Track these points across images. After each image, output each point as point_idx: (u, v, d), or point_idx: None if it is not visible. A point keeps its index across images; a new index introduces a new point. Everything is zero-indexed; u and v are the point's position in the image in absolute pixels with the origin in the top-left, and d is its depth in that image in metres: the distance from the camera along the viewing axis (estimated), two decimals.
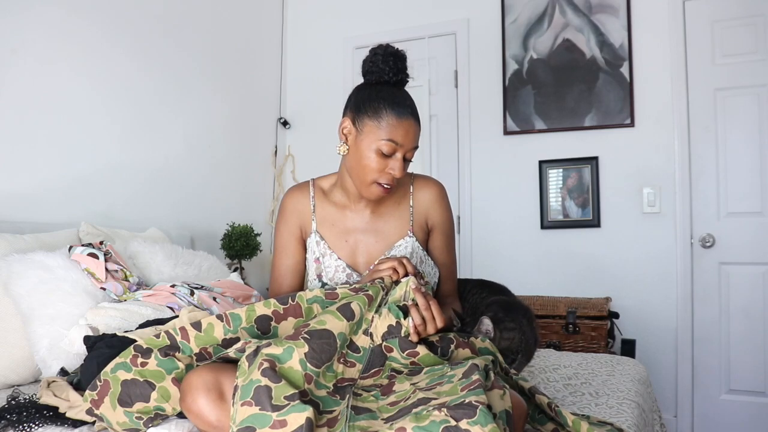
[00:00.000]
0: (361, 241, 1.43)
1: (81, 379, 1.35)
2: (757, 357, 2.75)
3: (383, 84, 1.34)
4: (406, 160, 1.32)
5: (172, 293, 1.83)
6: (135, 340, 1.32)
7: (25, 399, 1.34)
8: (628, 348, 2.72)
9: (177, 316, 1.49)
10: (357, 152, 1.32)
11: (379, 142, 1.28)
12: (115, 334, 1.43)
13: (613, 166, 2.99)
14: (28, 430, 1.21)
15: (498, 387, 1.01)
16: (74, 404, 1.26)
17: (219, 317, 1.18)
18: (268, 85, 3.62)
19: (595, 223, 3.00)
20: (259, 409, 0.95)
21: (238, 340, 1.17)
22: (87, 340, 1.47)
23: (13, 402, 1.32)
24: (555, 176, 3.09)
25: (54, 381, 1.37)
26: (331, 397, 1.07)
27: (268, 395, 0.96)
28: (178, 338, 1.17)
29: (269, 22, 3.65)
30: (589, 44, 3.03)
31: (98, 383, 1.15)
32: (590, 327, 2.62)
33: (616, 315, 2.74)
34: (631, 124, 2.95)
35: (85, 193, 2.35)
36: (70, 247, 1.83)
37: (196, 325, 1.17)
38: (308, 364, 1.04)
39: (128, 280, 1.88)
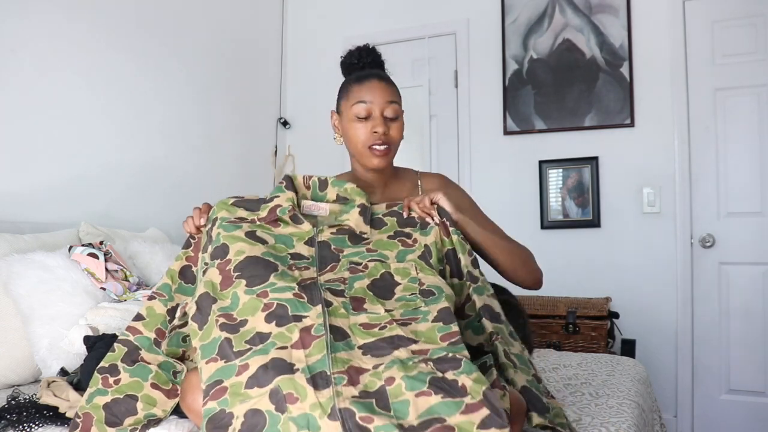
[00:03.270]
0: None
1: (81, 379, 1.35)
2: (757, 357, 2.75)
3: (353, 71, 1.45)
4: (390, 119, 1.37)
5: None
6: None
7: (25, 399, 1.34)
8: (628, 348, 2.72)
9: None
10: (345, 132, 1.42)
11: (352, 109, 1.37)
12: (115, 334, 1.44)
13: (613, 166, 2.99)
14: (28, 430, 1.22)
15: (499, 387, 1.01)
16: (74, 404, 1.26)
17: (150, 297, 1.24)
18: (268, 85, 3.62)
19: (595, 223, 3.00)
20: (225, 362, 0.97)
21: (177, 306, 1.23)
22: (87, 340, 1.47)
23: (13, 402, 1.33)
24: (555, 176, 3.08)
25: (54, 381, 1.37)
26: (298, 299, 1.04)
27: (229, 346, 0.99)
28: (132, 338, 1.20)
29: (269, 22, 3.64)
30: (589, 44, 3.03)
31: (78, 420, 1.13)
32: (590, 327, 2.62)
33: (616, 315, 2.74)
34: (631, 124, 2.95)
35: (84, 193, 2.35)
36: (70, 247, 1.83)
37: (138, 317, 1.22)
38: (253, 288, 1.06)
39: (128, 280, 1.88)
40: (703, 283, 2.85)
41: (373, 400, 0.89)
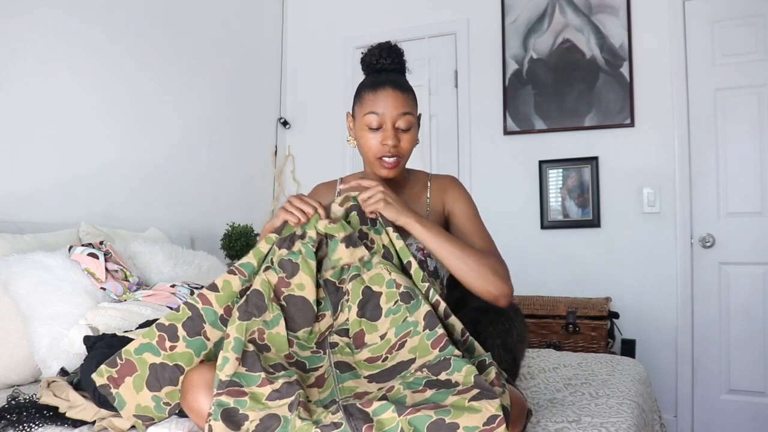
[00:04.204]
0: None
1: (81, 379, 1.35)
2: (757, 357, 2.75)
3: (370, 74, 1.42)
4: (402, 130, 1.35)
5: (172, 293, 1.83)
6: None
7: (25, 399, 1.34)
8: (628, 348, 2.72)
9: None
10: (357, 138, 1.40)
11: (364, 119, 1.36)
12: (115, 334, 1.43)
13: (613, 166, 2.99)
14: (28, 430, 1.22)
15: (498, 384, 1.01)
16: (74, 404, 1.26)
17: (231, 272, 1.21)
18: (268, 85, 3.62)
19: (595, 223, 3.00)
20: (246, 370, 1.05)
21: (250, 287, 1.21)
22: (87, 340, 1.47)
23: (13, 402, 1.33)
24: (555, 176, 3.08)
25: (54, 381, 1.37)
26: (314, 354, 1.15)
27: (258, 359, 1.06)
28: (200, 306, 1.16)
29: (269, 22, 3.65)
30: (589, 44, 3.03)
31: (119, 361, 1.12)
32: (590, 327, 2.62)
33: (616, 315, 2.74)
34: (631, 124, 2.95)
35: (85, 193, 2.35)
36: (70, 247, 1.83)
37: (213, 287, 1.19)
38: (287, 329, 1.16)
39: (128, 280, 1.88)
40: (703, 283, 2.85)
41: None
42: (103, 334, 1.53)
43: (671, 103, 2.89)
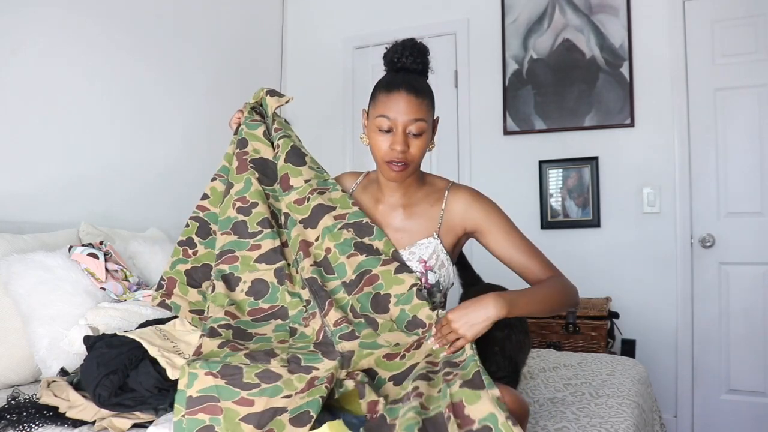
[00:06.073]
0: (388, 236, 1.41)
1: (81, 379, 1.35)
2: (757, 357, 2.75)
3: (389, 72, 1.40)
4: (413, 135, 1.32)
5: None
6: (135, 340, 1.32)
7: (25, 399, 1.34)
8: (628, 348, 2.72)
9: (177, 316, 1.49)
10: (369, 137, 1.39)
11: (375, 120, 1.34)
12: (115, 334, 1.43)
13: (613, 166, 2.99)
14: (28, 430, 1.22)
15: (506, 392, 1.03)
16: (74, 404, 1.26)
17: (213, 179, 1.54)
18: (268, 84, 3.60)
19: (595, 223, 3.00)
20: (238, 238, 1.35)
21: (233, 185, 1.48)
22: (87, 340, 1.47)
23: (13, 402, 1.33)
24: (555, 176, 3.08)
25: (54, 381, 1.37)
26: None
27: (244, 227, 1.36)
28: (202, 215, 1.48)
29: (269, 22, 3.64)
30: (589, 44, 3.03)
31: (162, 282, 1.42)
32: (590, 327, 2.62)
33: (616, 315, 2.74)
34: (631, 124, 2.95)
35: (85, 193, 2.35)
36: (70, 247, 1.83)
37: (204, 197, 1.52)
38: (261, 185, 1.44)
39: (128, 280, 1.88)
40: (703, 283, 2.85)
41: (322, 268, 1.31)
42: (103, 334, 1.53)
43: (671, 103, 2.89)
